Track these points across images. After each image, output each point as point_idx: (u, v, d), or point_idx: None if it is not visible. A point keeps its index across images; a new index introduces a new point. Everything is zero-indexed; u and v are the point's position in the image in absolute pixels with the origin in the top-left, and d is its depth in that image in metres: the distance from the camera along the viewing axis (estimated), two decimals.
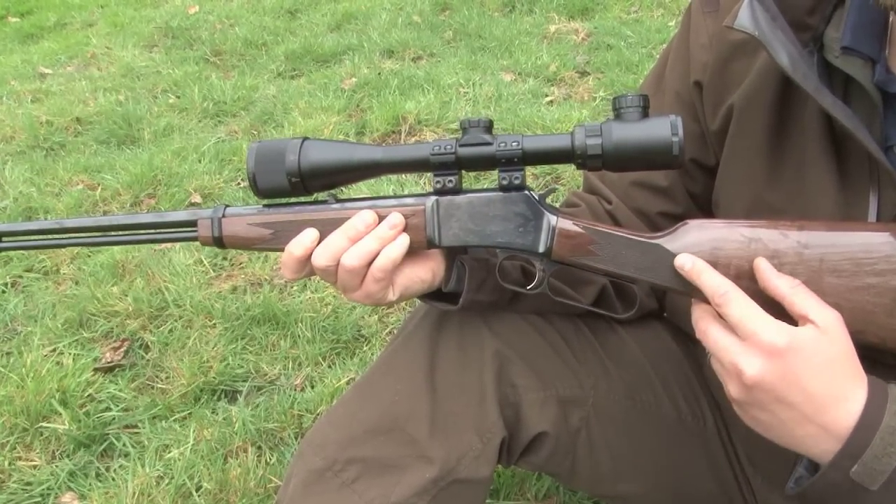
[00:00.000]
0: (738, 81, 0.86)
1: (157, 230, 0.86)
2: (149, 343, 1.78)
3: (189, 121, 2.99)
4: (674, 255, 0.76)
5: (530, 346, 0.92)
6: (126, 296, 1.88)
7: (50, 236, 0.88)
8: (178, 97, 3.25)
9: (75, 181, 2.61)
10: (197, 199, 2.36)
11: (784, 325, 0.69)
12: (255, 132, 2.83)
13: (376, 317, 1.84)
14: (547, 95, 2.94)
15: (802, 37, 0.79)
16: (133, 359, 1.75)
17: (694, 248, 0.76)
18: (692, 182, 0.96)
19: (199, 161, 2.57)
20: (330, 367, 1.70)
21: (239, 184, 2.44)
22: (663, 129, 0.73)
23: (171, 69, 3.59)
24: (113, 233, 0.89)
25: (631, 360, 0.99)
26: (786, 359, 0.67)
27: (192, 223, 0.84)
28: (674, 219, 0.95)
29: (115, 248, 2.08)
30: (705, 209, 0.98)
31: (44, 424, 1.56)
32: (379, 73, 3.15)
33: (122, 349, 1.78)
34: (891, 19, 0.77)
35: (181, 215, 0.85)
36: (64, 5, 5.01)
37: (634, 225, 0.96)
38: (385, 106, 2.75)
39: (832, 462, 0.68)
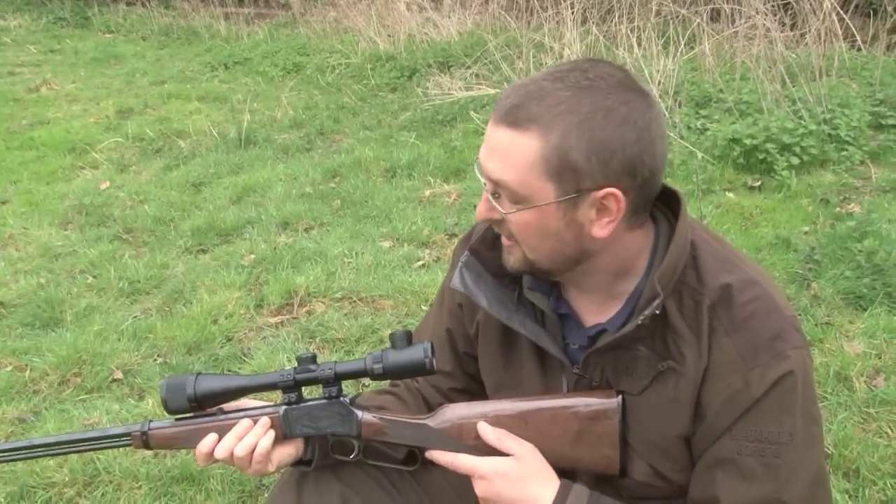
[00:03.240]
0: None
1: (103, 441, 1.31)
2: None
3: (107, 300, 3.38)
4: (435, 430, 1.24)
5: (364, 485, 1.35)
6: (62, 467, 2.24)
7: (24, 451, 1.31)
8: (95, 277, 3.63)
9: (4, 363, 2.93)
10: (119, 375, 2.75)
11: (491, 458, 1.18)
12: (168, 309, 3.25)
13: None
14: (419, 259, 3.49)
15: (504, 281, 1.30)
16: None
17: (448, 423, 1.25)
18: (468, 366, 1.46)
19: (119, 340, 2.96)
20: None
21: (155, 360, 2.85)
22: (419, 353, 1.21)
23: (87, 249, 3.95)
24: (70, 446, 1.32)
25: (440, 489, 1.44)
26: (490, 479, 1.17)
27: (128, 435, 1.29)
28: (460, 392, 1.46)
29: (50, 426, 2.44)
30: (482, 383, 1.47)
31: None
32: (275, 248, 3.65)
33: None
34: None
35: (119, 430, 1.31)
36: None
37: (433, 398, 1.45)
38: (279, 281, 3.25)
39: None
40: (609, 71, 1.10)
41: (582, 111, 1.05)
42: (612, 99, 1.06)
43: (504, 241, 1.20)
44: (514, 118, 1.08)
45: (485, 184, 1.15)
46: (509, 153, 1.09)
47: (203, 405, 1.26)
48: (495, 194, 1.13)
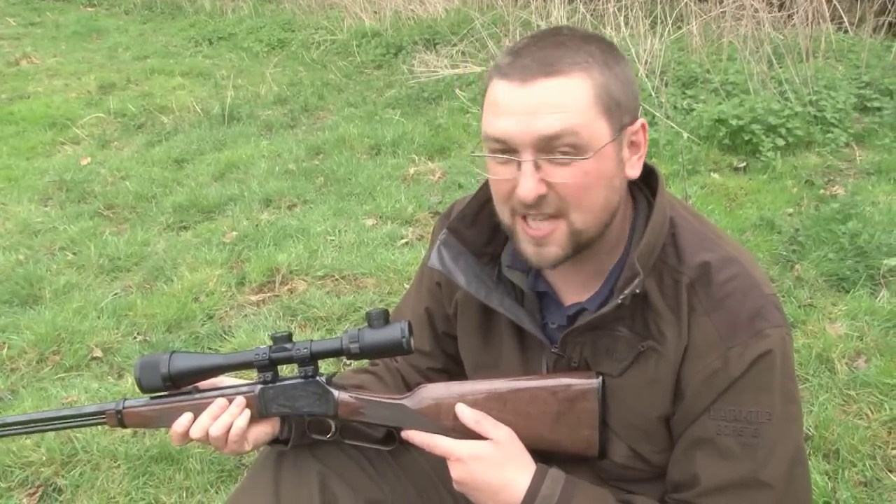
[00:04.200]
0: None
1: (77, 419, 1.29)
2: (62, 487, 2.11)
3: (86, 277, 3.34)
4: (411, 410, 1.23)
5: (342, 465, 1.34)
6: (39, 447, 2.21)
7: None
8: (75, 254, 3.58)
9: None
10: (98, 353, 2.72)
11: (468, 441, 1.16)
12: (148, 286, 3.21)
13: None
14: (402, 238, 3.47)
15: (483, 259, 1.29)
16: (48, 502, 2.08)
17: (425, 403, 1.23)
18: (447, 346, 1.44)
19: (99, 318, 2.93)
20: (217, 492, 2.08)
21: (135, 338, 2.82)
22: (397, 332, 1.19)
23: (67, 225, 3.91)
24: (44, 424, 1.30)
25: (419, 469, 1.43)
26: (466, 462, 1.15)
27: (102, 413, 1.27)
28: (438, 372, 1.44)
29: (27, 405, 2.41)
30: (461, 363, 1.46)
31: None
32: (257, 226, 3.61)
33: (37, 494, 2.10)
34: None
35: (94, 408, 1.28)
36: None
37: (412, 378, 1.44)
38: (261, 259, 3.22)
39: None
40: (574, 28, 1.15)
41: (596, 54, 1.08)
42: (602, 43, 1.11)
43: (542, 227, 1.10)
44: (552, 67, 1.04)
45: (519, 159, 1.06)
46: (563, 100, 1.04)
47: (178, 384, 1.24)
48: (552, 155, 1.04)
